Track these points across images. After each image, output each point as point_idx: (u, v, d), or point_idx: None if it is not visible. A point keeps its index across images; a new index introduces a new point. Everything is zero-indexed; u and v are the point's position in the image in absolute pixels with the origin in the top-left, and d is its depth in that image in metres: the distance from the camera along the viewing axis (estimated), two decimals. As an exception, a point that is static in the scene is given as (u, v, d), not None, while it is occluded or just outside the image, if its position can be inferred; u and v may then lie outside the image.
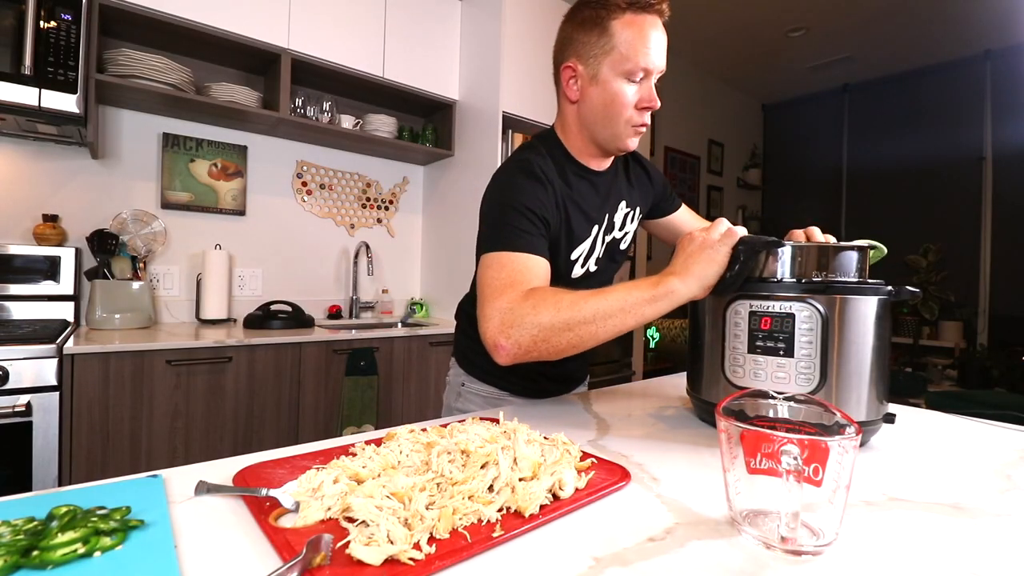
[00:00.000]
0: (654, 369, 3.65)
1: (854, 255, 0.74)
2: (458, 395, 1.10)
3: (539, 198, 0.85)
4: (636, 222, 1.08)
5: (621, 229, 1.04)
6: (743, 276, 0.73)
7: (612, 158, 1.00)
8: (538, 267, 0.80)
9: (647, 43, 0.83)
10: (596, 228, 0.98)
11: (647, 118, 0.89)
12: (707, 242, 0.73)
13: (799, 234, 0.87)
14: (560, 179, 0.92)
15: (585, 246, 0.96)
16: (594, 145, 0.94)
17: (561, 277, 0.94)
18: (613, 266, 1.06)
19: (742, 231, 0.74)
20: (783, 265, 0.74)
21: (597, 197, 0.98)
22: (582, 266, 0.97)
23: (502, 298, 0.75)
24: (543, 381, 1.07)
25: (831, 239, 0.84)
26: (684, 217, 1.19)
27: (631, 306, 0.71)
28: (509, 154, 2.42)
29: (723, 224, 0.75)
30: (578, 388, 1.17)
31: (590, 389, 1.12)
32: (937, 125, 4.63)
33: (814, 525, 0.44)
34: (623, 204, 1.04)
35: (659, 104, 0.87)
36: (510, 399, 1.05)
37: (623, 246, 1.05)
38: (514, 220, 0.82)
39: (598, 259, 1.01)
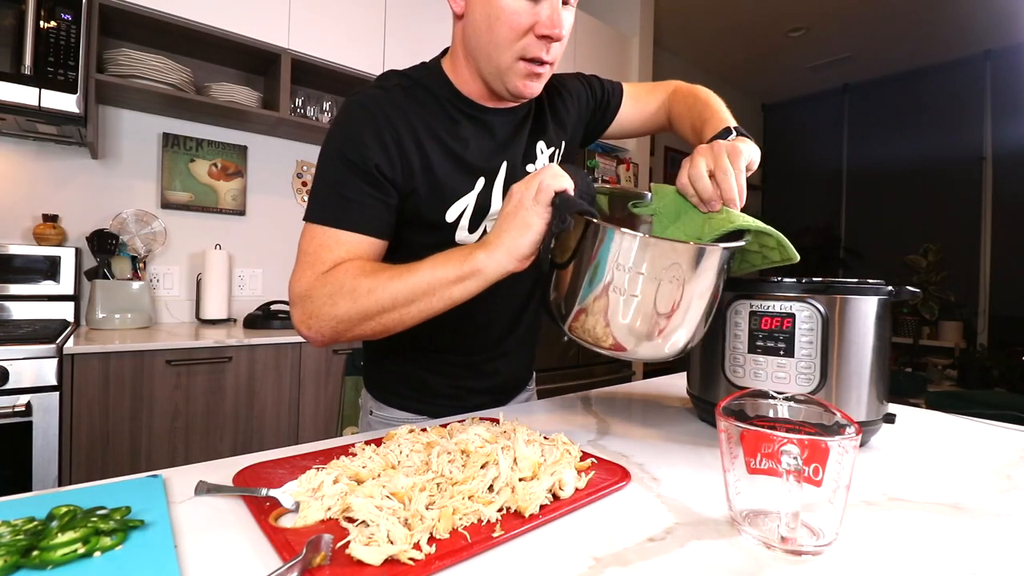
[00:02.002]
0: (654, 369, 3.65)
1: (715, 258, 0.59)
2: (368, 424, 0.93)
3: (364, 141, 0.70)
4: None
5: None
6: (548, 253, 0.60)
7: None
8: (344, 243, 0.69)
9: None
10: (483, 181, 0.78)
11: (548, 53, 0.69)
12: (521, 202, 0.60)
13: (695, 168, 0.65)
14: (417, 110, 0.74)
15: (466, 203, 0.77)
16: (481, 81, 0.75)
17: (443, 244, 0.73)
18: None
19: (564, 184, 0.58)
20: (609, 253, 0.57)
21: (491, 141, 0.78)
22: (472, 230, 0.78)
23: (301, 282, 0.68)
24: (472, 396, 0.90)
25: (734, 189, 0.63)
26: (629, 113, 0.97)
27: (436, 289, 0.62)
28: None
29: (544, 175, 0.59)
30: (524, 394, 1.01)
31: (590, 389, 1.12)
32: (937, 125, 4.63)
33: (814, 525, 0.44)
34: (542, 145, 0.84)
35: (565, 33, 0.68)
36: (432, 423, 0.84)
37: None
38: (327, 179, 0.71)
39: None
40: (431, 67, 0.79)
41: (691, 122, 0.88)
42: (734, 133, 0.75)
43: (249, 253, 2.39)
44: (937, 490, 0.58)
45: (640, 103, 0.98)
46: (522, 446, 0.56)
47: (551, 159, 0.86)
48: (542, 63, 0.70)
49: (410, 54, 2.47)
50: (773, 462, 0.42)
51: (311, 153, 2.56)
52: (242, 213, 2.36)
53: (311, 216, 0.71)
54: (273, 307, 2.15)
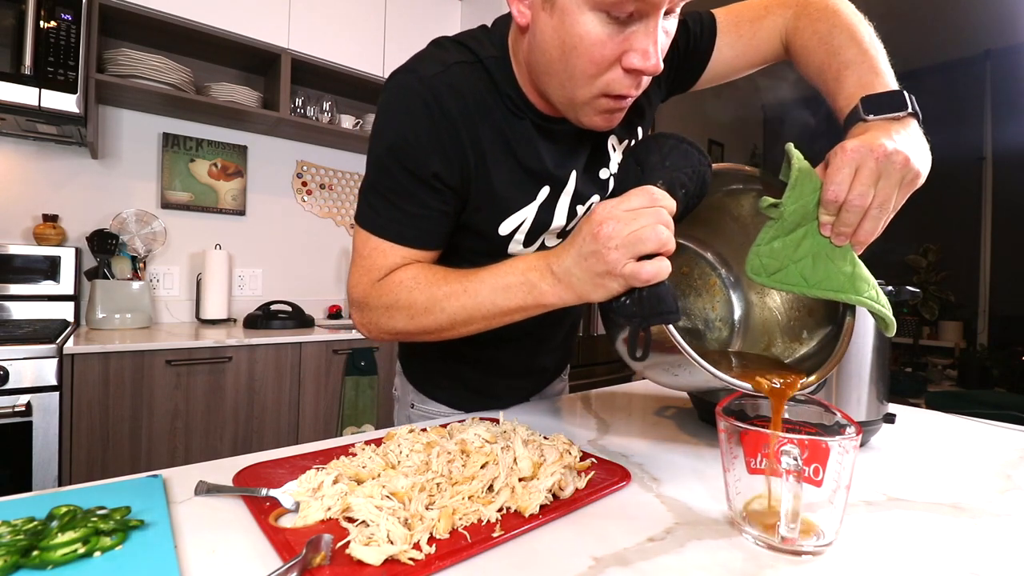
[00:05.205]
0: (654, 369, 3.64)
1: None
2: (408, 418, 0.92)
3: (421, 144, 0.61)
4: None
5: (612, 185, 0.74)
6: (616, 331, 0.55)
7: None
8: (400, 251, 0.65)
9: None
10: (547, 191, 0.68)
11: (639, 87, 0.57)
12: (607, 261, 0.49)
13: (858, 195, 0.48)
14: (479, 97, 0.63)
15: (524, 216, 0.68)
16: (547, 101, 0.64)
17: (494, 252, 0.70)
18: None
19: (664, 272, 0.48)
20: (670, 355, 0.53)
21: (555, 146, 0.67)
22: (528, 243, 0.71)
23: (358, 287, 0.66)
24: (515, 393, 0.92)
25: (874, 234, 0.50)
26: (727, 56, 0.77)
27: (496, 315, 0.59)
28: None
29: (646, 237, 0.47)
30: (559, 383, 1.05)
31: (591, 389, 1.12)
32: (937, 125, 4.58)
33: (814, 525, 0.44)
34: (613, 141, 0.73)
35: (661, 66, 0.53)
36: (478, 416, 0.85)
37: None
38: (382, 184, 0.64)
39: (563, 233, 0.72)
40: (497, 46, 0.65)
41: (821, 61, 0.65)
42: (908, 107, 0.53)
43: (249, 253, 2.39)
44: (937, 490, 0.58)
45: (743, 37, 0.76)
46: (521, 446, 0.56)
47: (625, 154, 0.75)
48: (627, 97, 0.57)
49: (410, 54, 2.47)
50: (773, 462, 0.42)
51: (311, 153, 2.56)
52: (242, 213, 2.36)
53: (365, 224, 0.65)
54: (273, 307, 2.15)
